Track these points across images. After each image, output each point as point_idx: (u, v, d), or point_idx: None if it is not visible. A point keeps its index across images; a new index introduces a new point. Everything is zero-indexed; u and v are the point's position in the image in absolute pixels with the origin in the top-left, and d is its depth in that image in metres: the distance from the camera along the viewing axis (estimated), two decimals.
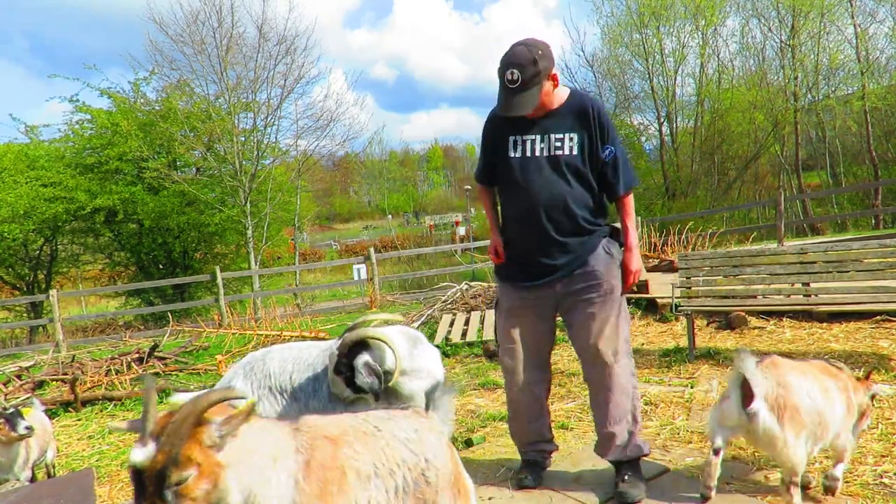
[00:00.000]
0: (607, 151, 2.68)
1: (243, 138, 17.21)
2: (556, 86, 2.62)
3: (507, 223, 2.88)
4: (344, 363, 2.67)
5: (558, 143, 2.66)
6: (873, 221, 19.51)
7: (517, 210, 2.76)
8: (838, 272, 4.65)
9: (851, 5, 21.41)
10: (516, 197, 2.75)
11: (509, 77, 2.52)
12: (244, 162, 16.99)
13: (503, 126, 2.74)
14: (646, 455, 2.87)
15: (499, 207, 2.98)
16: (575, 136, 2.66)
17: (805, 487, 2.56)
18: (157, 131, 16.60)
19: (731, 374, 2.49)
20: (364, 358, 2.69)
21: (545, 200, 2.66)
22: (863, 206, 22.07)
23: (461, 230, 33.30)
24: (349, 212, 62.00)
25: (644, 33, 23.37)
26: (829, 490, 2.57)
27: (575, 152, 2.66)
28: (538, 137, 2.68)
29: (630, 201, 2.79)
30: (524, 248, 2.78)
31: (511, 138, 2.72)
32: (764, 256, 5.11)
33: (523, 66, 2.50)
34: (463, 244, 17.93)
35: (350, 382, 2.68)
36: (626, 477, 2.72)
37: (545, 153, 2.67)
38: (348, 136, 19.61)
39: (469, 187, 40.04)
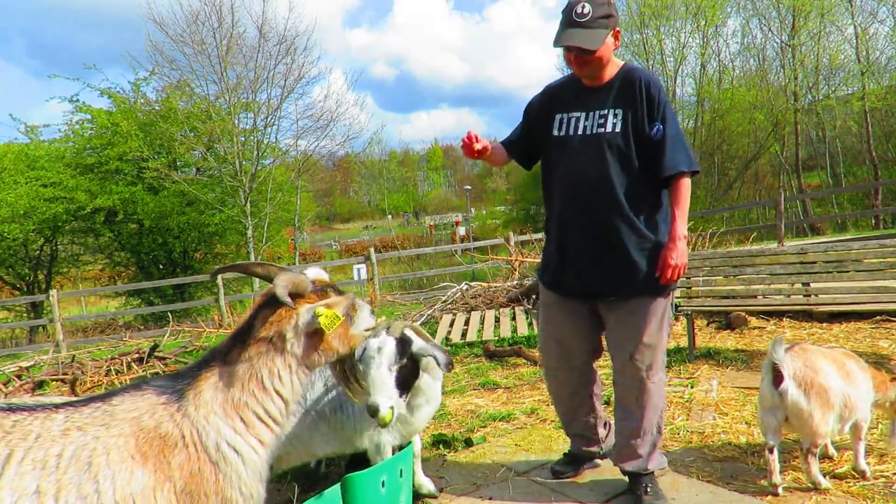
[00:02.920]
0: (655, 129, 2.38)
1: (243, 138, 17.21)
2: (616, 47, 2.40)
3: (550, 217, 2.63)
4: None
5: (601, 121, 2.41)
6: (873, 221, 19.52)
7: (558, 200, 2.53)
8: (838, 272, 4.65)
9: (851, 5, 21.44)
10: (557, 184, 2.53)
11: (578, 10, 2.28)
12: (244, 162, 16.99)
13: (552, 102, 2.55)
14: (664, 468, 2.78)
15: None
16: (619, 112, 2.39)
17: (826, 458, 2.87)
18: (157, 131, 16.61)
19: (764, 361, 2.72)
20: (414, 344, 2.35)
21: (585, 188, 2.42)
22: (863, 207, 22.07)
23: (461, 230, 33.31)
24: (349, 212, 62.01)
25: (644, 33, 23.39)
26: (862, 474, 2.77)
27: (618, 129, 2.39)
28: (582, 115, 2.46)
29: (683, 187, 2.49)
30: (568, 253, 2.54)
31: (557, 116, 2.51)
32: (764, 256, 5.11)
33: (596, 3, 2.28)
34: (463, 244, 17.92)
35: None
36: (647, 489, 2.61)
37: (586, 132, 2.43)
38: (348, 136, 19.55)
39: (469, 187, 40.09)
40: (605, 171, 2.39)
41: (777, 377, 2.60)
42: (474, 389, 4.87)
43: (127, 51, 32.01)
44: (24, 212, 15.51)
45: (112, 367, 6.81)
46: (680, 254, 2.43)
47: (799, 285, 5.05)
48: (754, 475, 2.85)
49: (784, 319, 5.93)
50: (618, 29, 2.37)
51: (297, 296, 1.60)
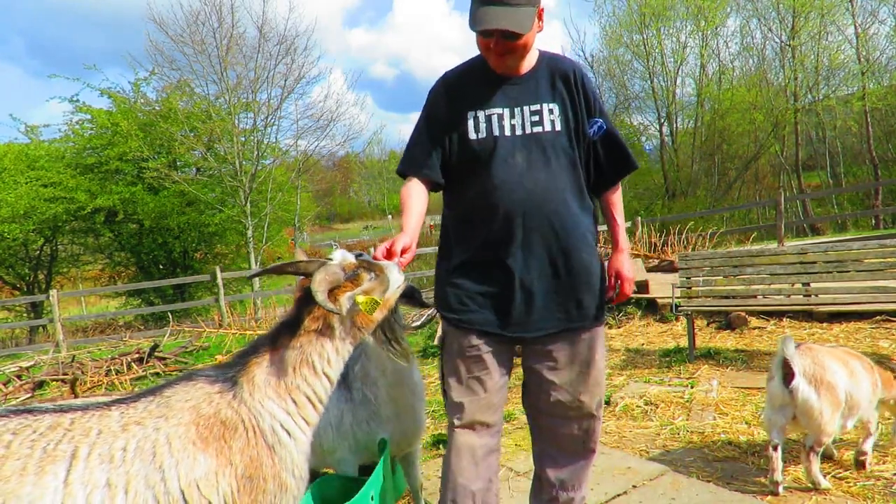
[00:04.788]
0: (595, 126, 2.02)
1: (243, 138, 17.22)
2: (541, 28, 1.95)
3: (470, 240, 2.03)
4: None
5: (535, 118, 1.96)
6: (873, 221, 19.51)
7: (487, 220, 1.97)
8: (838, 272, 4.66)
9: (852, 5, 21.42)
10: (483, 199, 1.97)
11: None
12: (244, 162, 16.99)
13: (460, 96, 2.01)
14: None
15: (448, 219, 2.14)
16: (556, 108, 1.98)
17: (828, 458, 2.90)
18: (157, 131, 16.61)
19: (774, 359, 2.74)
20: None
21: (530, 201, 1.93)
22: (863, 207, 22.06)
23: None
24: (349, 212, 61.99)
25: (645, 34, 23.41)
26: (861, 464, 2.79)
27: (559, 128, 1.97)
28: (506, 111, 1.96)
29: (619, 191, 2.19)
30: (508, 284, 1.98)
31: (471, 115, 1.97)
32: (764, 256, 5.11)
33: None
34: None
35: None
36: None
37: (517, 132, 1.96)
38: (348, 136, 19.70)
39: None
40: (553, 179, 1.95)
41: (788, 374, 2.63)
42: None
43: (127, 51, 32.01)
44: (24, 212, 15.51)
45: (112, 367, 6.81)
46: (631, 265, 2.15)
47: (799, 285, 5.05)
48: (754, 475, 2.86)
49: (784, 319, 5.93)
50: (542, 7, 1.92)
51: (334, 288, 1.67)
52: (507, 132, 1.96)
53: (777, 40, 23.20)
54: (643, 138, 26.65)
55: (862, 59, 21.63)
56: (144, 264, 18.74)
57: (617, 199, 2.17)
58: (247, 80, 16.99)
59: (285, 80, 17.31)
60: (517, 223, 1.94)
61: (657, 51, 23.52)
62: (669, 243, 10.92)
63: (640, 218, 14.05)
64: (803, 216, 22.33)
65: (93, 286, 20.86)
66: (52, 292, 11.16)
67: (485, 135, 1.96)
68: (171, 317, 10.98)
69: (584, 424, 2.07)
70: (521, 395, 2.20)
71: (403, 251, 1.85)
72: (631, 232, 13.13)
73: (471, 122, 1.98)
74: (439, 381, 2.18)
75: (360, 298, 1.64)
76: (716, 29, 23.48)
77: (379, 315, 1.74)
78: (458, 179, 2.04)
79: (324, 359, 1.64)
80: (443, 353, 2.14)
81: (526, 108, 1.97)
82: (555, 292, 1.99)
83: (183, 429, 1.46)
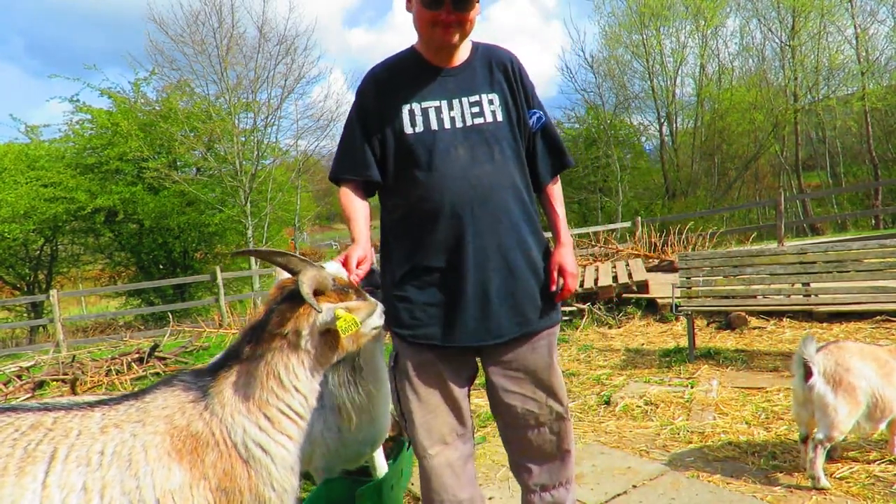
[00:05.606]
0: (535, 117, 1.94)
1: (243, 138, 17.24)
2: (477, 12, 1.86)
3: (411, 245, 1.90)
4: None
5: (475, 109, 1.86)
6: (873, 221, 19.52)
7: (430, 220, 1.84)
8: (838, 272, 4.66)
9: (852, 5, 21.43)
10: (422, 198, 1.84)
11: None
12: (244, 162, 17.01)
13: (392, 89, 1.90)
14: None
15: (385, 221, 2.03)
16: (495, 98, 1.89)
17: (832, 453, 2.92)
18: (157, 131, 16.63)
19: (794, 357, 2.83)
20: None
21: (475, 197, 1.81)
22: (863, 206, 22.08)
23: None
24: None
25: (644, 34, 23.41)
26: None
27: (500, 118, 1.88)
28: (444, 103, 1.86)
29: (559, 185, 2.08)
30: (458, 290, 1.85)
31: (405, 109, 1.86)
32: (764, 256, 5.11)
33: None
34: None
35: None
36: None
37: (457, 124, 1.85)
38: None
39: None
40: (499, 172, 1.84)
41: (807, 372, 2.72)
42: (474, 389, 4.87)
43: (127, 51, 32.12)
44: (25, 212, 15.53)
45: (112, 367, 6.81)
46: (574, 260, 1.99)
47: (799, 285, 5.05)
48: (754, 475, 2.86)
49: (784, 319, 5.93)
50: None
51: (318, 293, 1.61)
52: (447, 125, 1.84)
53: (777, 40, 23.23)
54: (643, 138, 26.68)
55: (862, 60, 21.64)
56: (144, 264, 18.75)
57: (556, 190, 2.05)
58: (247, 80, 17.03)
59: (285, 80, 17.35)
60: (464, 221, 1.81)
61: (657, 51, 23.54)
62: (669, 243, 10.93)
63: (640, 218, 14.06)
64: (803, 216, 22.35)
65: (93, 286, 20.87)
66: (53, 292, 11.16)
67: (422, 129, 1.84)
68: (171, 317, 10.99)
69: (556, 427, 1.99)
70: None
71: (359, 263, 1.80)
72: (631, 232, 13.15)
73: (406, 117, 1.85)
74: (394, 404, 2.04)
75: (341, 313, 1.58)
76: (715, 29, 23.51)
77: (349, 344, 1.67)
78: (396, 179, 1.91)
79: (290, 372, 1.57)
80: (395, 373, 1.98)
81: (465, 100, 1.87)
82: (511, 294, 1.88)
83: (159, 438, 1.43)
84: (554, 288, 1.95)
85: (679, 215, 17.42)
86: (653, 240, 10.93)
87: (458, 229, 1.82)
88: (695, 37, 23.43)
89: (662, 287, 7.14)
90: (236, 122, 17.01)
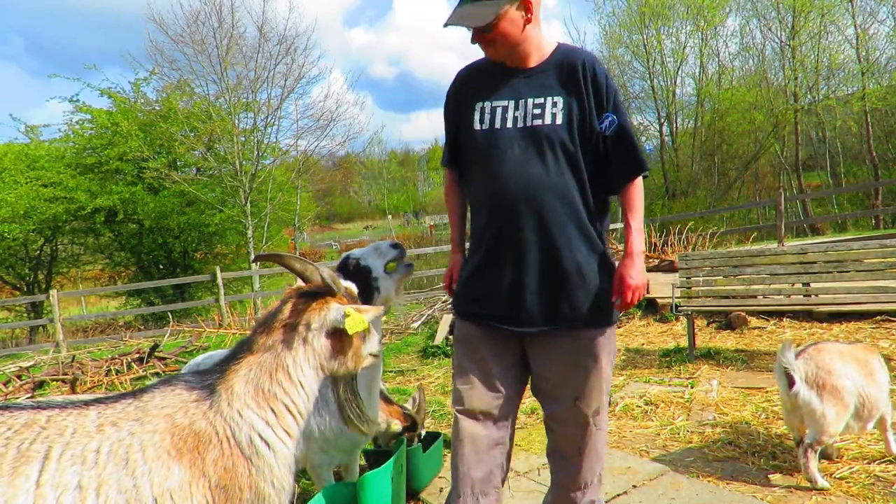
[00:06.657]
0: (607, 121, 1.96)
1: (243, 138, 17.22)
2: (528, 20, 1.92)
3: (477, 231, 2.09)
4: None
5: (537, 111, 1.96)
6: (873, 221, 19.50)
7: (486, 211, 2.03)
8: (838, 272, 4.66)
9: (852, 5, 21.41)
10: (483, 190, 2.03)
11: None
12: (244, 162, 16.99)
13: (470, 90, 2.07)
14: None
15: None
16: (560, 101, 1.95)
17: (826, 458, 2.92)
18: (157, 131, 16.62)
19: (775, 366, 2.80)
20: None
21: (521, 194, 1.94)
22: (863, 207, 22.06)
23: None
24: (349, 212, 61.97)
25: (644, 34, 23.41)
26: None
27: (559, 121, 1.94)
28: (511, 104, 1.98)
29: (638, 192, 2.05)
30: (501, 275, 2.01)
31: (478, 105, 2.02)
32: (764, 256, 5.11)
33: None
34: None
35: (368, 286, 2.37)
36: None
37: (518, 124, 1.97)
38: (348, 136, 19.68)
39: None
40: (546, 172, 1.93)
41: (790, 381, 2.69)
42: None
43: (127, 51, 32.02)
44: (24, 212, 15.51)
45: (112, 367, 6.81)
46: (639, 272, 1.99)
47: (799, 285, 5.06)
48: (754, 475, 2.86)
49: (784, 319, 5.93)
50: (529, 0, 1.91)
51: (330, 296, 1.67)
52: (509, 124, 1.98)
53: (777, 40, 23.21)
54: (643, 138, 26.65)
55: (862, 59, 21.63)
56: (144, 264, 18.74)
57: (631, 200, 2.04)
58: (247, 79, 17.00)
59: (285, 80, 17.32)
60: (510, 216, 1.96)
61: (657, 51, 23.52)
62: (669, 243, 10.93)
63: None
64: (803, 216, 22.33)
65: (93, 286, 20.86)
66: (53, 292, 11.16)
67: (487, 126, 2.00)
68: (171, 317, 11.00)
69: (580, 431, 2.04)
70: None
71: (454, 279, 2.19)
72: None
73: (477, 114, 2.02)
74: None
75: (350, 311, 1.64)
76: (715, 29, 23.49)
77: (349, 360, 1.71)
78: (468, 170, 2.12)
79: (297, 366, 1.61)
80: (454, 344, 2.21)
81: (531, 101, 1.98)
82: (545, 289, 1.98)
83: (158, 437, 1.43)
84: (614, 298, 2.00)
85: (679, 215, 17.41)
86: (653, 240, 10.93)
87: (504, 222, 1.98)
88: (695, 36, 23.42)
89: (662, 287, 7.14)
90: (236, 122, 16.99)
